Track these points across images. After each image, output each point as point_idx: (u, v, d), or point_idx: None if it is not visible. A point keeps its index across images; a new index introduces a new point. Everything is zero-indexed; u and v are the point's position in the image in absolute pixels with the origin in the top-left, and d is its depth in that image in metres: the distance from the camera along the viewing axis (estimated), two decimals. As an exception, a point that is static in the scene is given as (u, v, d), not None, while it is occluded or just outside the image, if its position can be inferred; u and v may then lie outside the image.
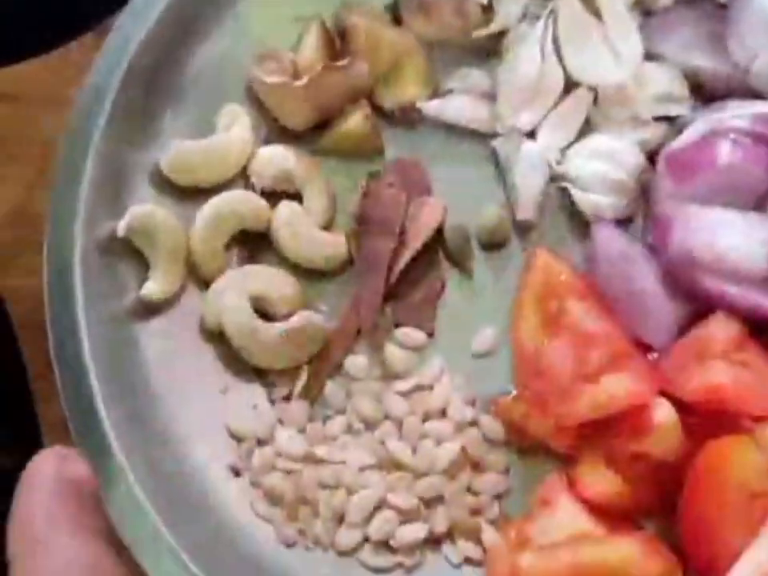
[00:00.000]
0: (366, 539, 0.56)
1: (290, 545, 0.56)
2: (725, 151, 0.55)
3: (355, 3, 0.63)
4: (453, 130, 0.62)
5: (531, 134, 0.61)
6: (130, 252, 0.59)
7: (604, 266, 0.57)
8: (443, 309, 0.60)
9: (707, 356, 0.53)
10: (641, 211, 0.60)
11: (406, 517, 0.56)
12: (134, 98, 0.61)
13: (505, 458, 0.57)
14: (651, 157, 0.59)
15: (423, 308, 0.60)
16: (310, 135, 0.62)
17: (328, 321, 0.59)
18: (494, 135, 0.61)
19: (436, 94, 0.62)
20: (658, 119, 0.60)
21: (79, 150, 0.59)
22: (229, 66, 0.63)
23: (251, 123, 0.61)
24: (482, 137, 0.62)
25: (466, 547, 0.56)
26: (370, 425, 0.58)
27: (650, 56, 0.60)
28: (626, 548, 0.50)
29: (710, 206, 0.55)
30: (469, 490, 0.57)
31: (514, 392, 0.58)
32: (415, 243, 0.59)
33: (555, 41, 0.60)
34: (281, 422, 0.58)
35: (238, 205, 0.60)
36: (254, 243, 0.61)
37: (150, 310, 0.59)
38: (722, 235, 0.54)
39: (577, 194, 0.59)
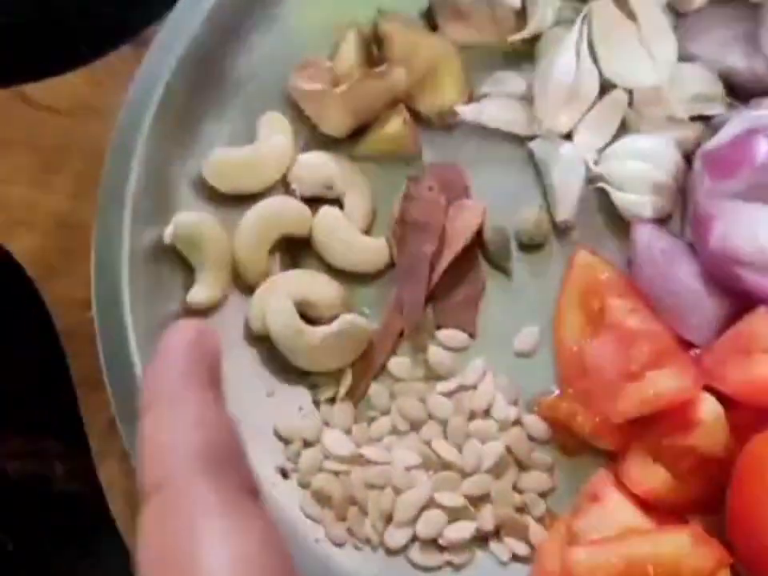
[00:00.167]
0: (415, 538, 0.56)
1: (339, 544, 0.57)
2: (762, 149, 0.55)
3: (391, 10, 0.63)
4: (489, 133, 0.62)
5: (568, 136, 0.61)
6: (176, 259, 0.60)
7: (645, 264, 0.58)
8: (484, 310, 0.60)
9: (750, 351, 0.53)
10: (678, 210, 0.60)
11: (454, 516, 0.56)
12: (176, 107, 0.61)
13: (549, 456, 0.58)
14: (687, 156, 0.60)
15: (464, 309, 0.60)
16: (349, 141, 0.62)
17: (371, 323, 0.59)
18: (531, 138, 0.62)
19: (472, 98, 0.63)
20: (693, 119, 0.60)
21: (124, 160, 0.60)
22: (268, 74, 0.63)
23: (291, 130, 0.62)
24: (518, 139, 0.62)
25: (514, 544, 0.56)
26: (414, 425, 0.58)
27: (684, 56, 0.60)
28: (679, 541, 0.50)
29: (749, 202, 0.56)
30: (515, 488, 0.57)
31: (557, 391, 0.58)
32: (456, 245, 0.60)
33: (590, 44, 0.60)
34: (327, 423, 0.59)
35: (280, 211, 0.60)
36: (296, 248, 0.61)
37: (196, 315, 0.59)
38: (761, 230, 0.54)
39: (615, 194, 0.59)
